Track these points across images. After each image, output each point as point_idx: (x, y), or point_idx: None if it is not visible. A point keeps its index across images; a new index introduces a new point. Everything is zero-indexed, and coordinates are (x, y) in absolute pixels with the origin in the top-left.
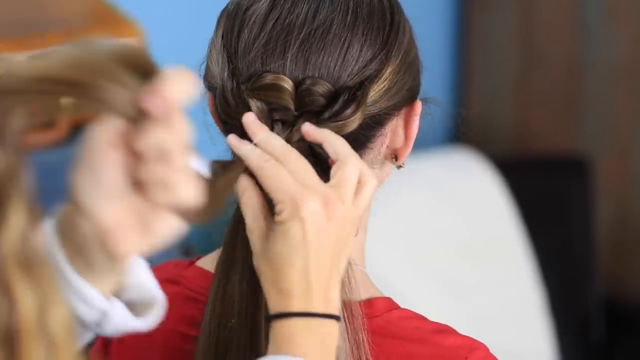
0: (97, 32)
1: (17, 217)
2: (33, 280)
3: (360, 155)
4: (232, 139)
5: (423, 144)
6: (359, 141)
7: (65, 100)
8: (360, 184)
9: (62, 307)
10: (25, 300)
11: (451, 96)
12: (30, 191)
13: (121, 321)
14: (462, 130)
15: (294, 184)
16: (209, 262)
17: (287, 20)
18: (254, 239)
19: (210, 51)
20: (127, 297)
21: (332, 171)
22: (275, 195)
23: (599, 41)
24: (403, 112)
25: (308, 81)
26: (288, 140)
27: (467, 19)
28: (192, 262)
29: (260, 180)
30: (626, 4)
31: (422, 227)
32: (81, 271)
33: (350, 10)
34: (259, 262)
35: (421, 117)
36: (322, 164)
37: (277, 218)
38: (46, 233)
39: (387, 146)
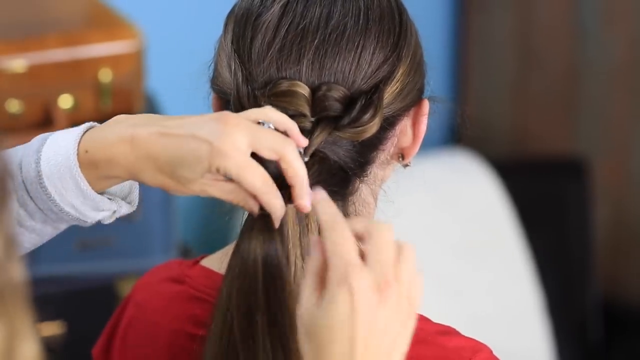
0: (96, 34)
1: None
2: (4, 313)
3: (372, 158)
4: (322, 194)
5: (421, 145)
6: (372, 143)
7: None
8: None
9: (31, 343)
10: None
11: (449, 97)
12: (10, 223)
13: (123, 211)
14: (460, 132)
15: (353, 253)
16: (214, 262)
17: (301, 26)
18: (304, 310)
19: (219, 55)
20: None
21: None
22: (332, 258)
23: (596, 42)
24: (412, 111)
25: (324, 87)
26: (307, 148)
27: (465, 20)
28: (197, 262)
29: (325, 240)
30: (623, 6)
31: (421, 228)
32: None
33: (362, 13)
34: (302, 340)
35: (429, 116)
36: (336, 176)
37: (327, 285)
38: (70, 151)
39: (395, 145)
